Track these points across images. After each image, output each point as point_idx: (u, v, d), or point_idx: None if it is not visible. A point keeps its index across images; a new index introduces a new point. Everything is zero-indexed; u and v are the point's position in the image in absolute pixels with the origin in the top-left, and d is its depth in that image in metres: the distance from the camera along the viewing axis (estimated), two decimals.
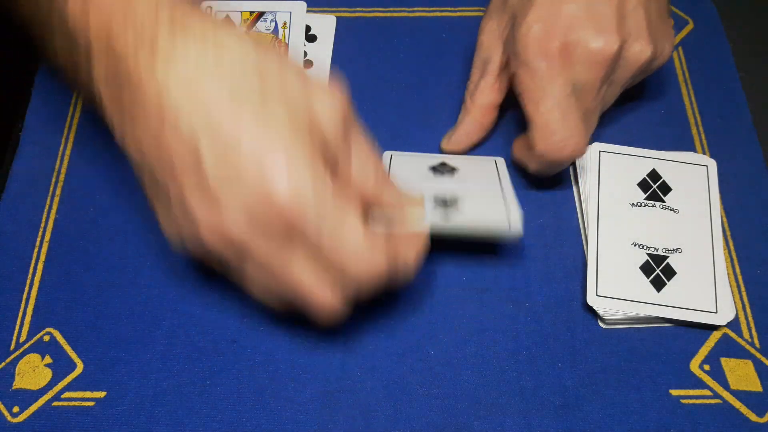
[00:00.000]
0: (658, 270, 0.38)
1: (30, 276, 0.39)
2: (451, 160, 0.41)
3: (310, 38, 0.47)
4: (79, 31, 0.29)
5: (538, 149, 0.37)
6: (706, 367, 0.37)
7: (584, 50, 0.36)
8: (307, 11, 0.47)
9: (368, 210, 0.31)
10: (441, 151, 0.43)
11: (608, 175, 0.40)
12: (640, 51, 0.37)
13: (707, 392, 0.36)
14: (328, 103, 0.29)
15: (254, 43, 0.29)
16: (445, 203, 0.36)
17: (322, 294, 0.30)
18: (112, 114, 0.30)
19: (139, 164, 0.30)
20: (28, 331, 0.38)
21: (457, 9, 0.48)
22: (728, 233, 0.41)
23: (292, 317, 0.38)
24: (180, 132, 0.27)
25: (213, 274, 0.35)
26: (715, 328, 0.38)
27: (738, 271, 0.40)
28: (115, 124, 0.30)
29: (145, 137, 0.29)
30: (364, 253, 0.29)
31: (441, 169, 0.39)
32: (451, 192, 0.36)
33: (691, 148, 0.43)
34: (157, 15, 0.28)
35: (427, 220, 0.34)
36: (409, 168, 0.40)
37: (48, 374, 0.37)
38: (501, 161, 0.41)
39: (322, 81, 0.30)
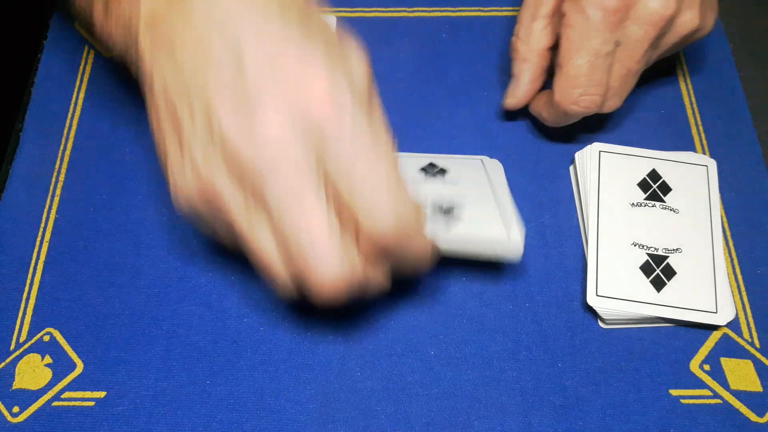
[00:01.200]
0: (658, 270, 0.38)
1: (30, 276, 0.39)
2: (437, 159, 0.40)
3: None
4: None
5: (556, 97, 0.38)
6: (706, 367, 0.37)
7: (643, 8, 0.36)
8: None
9: None
10: (505, 108, 0.42)
11: (608, 175, 0.40)
12: (689, 19, 0.37)
13: (707, 392, 0.36)
14: (359, 56, 0.29)
15: None
16: (443, 210, 0.35)
17: (279, 278, 0.28)
18: (149, 25, 0.28)
19: (164, 81, 0.28)
20: (28, 331, 0.38)
21: (457, 9, 0.48)
22: (728, 233, 0.41)
23: (293, 317, 0.38)
24: (226, 30, 0.26)
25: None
26: (715, 328, 0.38)
27: (738, 271, 0.40)
28: (144, 32, 0.28)
29: (183, 40, 0.27)
30: (332, 258, 0.26)
31: (430, 170, 0.38)
32: (448, 201, 0.36)
33: (691, 148, 0.43)
34: None
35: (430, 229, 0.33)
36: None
37: (48, 374, 0.37)
38: (493, 164, 0.40)
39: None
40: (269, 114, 0.26)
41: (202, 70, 0.27)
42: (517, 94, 0.41)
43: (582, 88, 0.37)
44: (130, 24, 0.29)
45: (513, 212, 0.35)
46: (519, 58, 0.41)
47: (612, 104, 0.39)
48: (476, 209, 0.35)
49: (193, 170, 0.27)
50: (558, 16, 0.39)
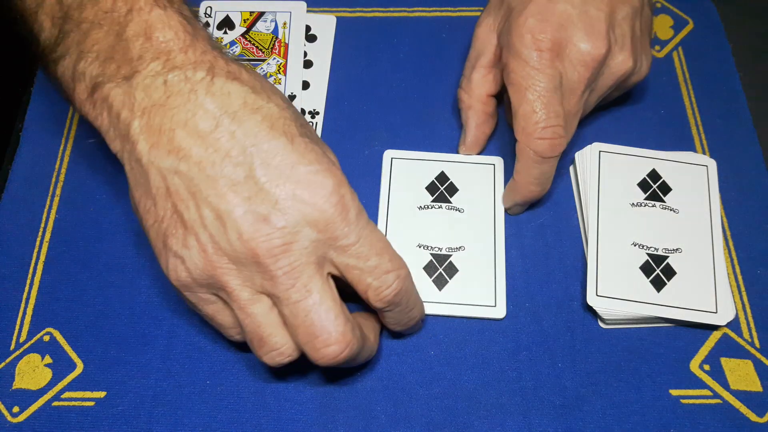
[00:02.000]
0: (658, 270, 0.38)
1: (30, 276, 0.39)
2: (450, 170, 0.41)
3: (310, 38, 0.47)
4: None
5: (520, 139, 0.37)
6: (706, 367, 0.37)
7: (574, 49, 0.36)
8: (307, 11, 0.48)
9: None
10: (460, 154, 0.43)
11: (608, 175, 0.40)
12: (622, 61, 0.38)
13: (707, 392, 0.36)
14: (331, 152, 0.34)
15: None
16: (439, 272, 0.39)
17: (279, 345, 0.31)
18: (147, 124, 0.30)
19: (165, 180, 0.30)
20: (28, 331, 0.38)
21: (457, 9, 0.48)
22: (728, 233, 0.41)
23: None
24: (236, 141, 0.29)
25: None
26: (715, 328, 0.38)
27: (738, 271, 0.40)
28: (138, 126, 0.30)
29: (189, 148, 0.29)
30: (338, 337, 0.30)
31: (440, 183, 0.40)
32: (446, 263, 0.39)
33: (691, 148, 0.43)
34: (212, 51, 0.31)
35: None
36: (408, 181, 0.42)
37: (48, 374, 0.37)
38: (499, 162, 0.42)
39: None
40: (282, 208, 0.29)
41: (213, 177, 0.29)
42: (467, 141, 0.42)
43: (542, 121, 0.36)
44: (120, 113, 0.30)
45: (502, 274, 0.39)
46: (464, 106, 0.42)
47: None
48: (470, 272, 0.39)
49: (200, 251, 0.29)
50: (499, 68, 0.40)
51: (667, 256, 0.38)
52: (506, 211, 0.41)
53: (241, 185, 0.29)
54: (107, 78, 0.30)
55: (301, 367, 0.37)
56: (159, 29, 0.30)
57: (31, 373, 0.37)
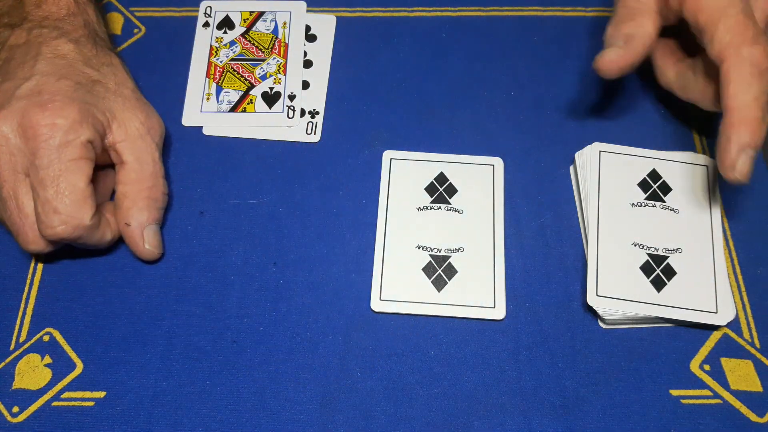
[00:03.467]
0: (658, 270, 0.38)
1: (30, 276, 0.39)
2: (449, 171, 0.41)
3: (310, 38, 0.47)
4: None
5: (729, 55, 0.35)
6: (706, 367, 0.37)
7: None
8: (307, 11, 0.48)
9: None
10: (599, 71, 0.38)
11: (608, 175, 0.40)
12: None
13: (707, 392, 0.36)
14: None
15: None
16: (439, 275, 0.39)
17: (28, 233, 0.36)
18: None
19: None
20: (28, 331, 0.38)
21: (457, 9, 0.48)
22: (728, 233, 0.41)
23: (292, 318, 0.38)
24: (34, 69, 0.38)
25: None
26: (715, 328, 0.38)
27: (738, 271, 0.40)
28: None
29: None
30: (69, 216, 0.35)
31: (439, 184, 0.40)
32: (446, 265, 0.39)
33: (691, 148, 0.43)
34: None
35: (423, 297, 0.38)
36: (407, 182, 0.41)
37: (48, 374, 0.37)
38: (498, 163, 0.42)
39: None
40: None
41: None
42: (620, 48, 0.37)
43: (751, 30, 0.34)
44: None
45: (501, 277, 0.39)
46: (629, 11, 0.38)
47: None
48: (469, 273, 0.39)
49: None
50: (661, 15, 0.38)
51: (668, 256, 0.38)
52: (731, 173, 0.34)
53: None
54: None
55: (300, 368, 0.37)
56: (49, 3, 0.40)
57: (31, 373, 0.37)
